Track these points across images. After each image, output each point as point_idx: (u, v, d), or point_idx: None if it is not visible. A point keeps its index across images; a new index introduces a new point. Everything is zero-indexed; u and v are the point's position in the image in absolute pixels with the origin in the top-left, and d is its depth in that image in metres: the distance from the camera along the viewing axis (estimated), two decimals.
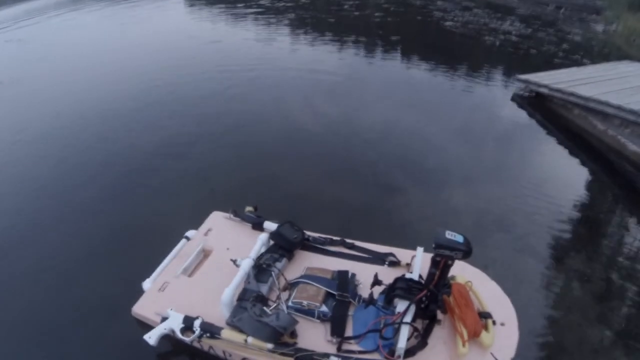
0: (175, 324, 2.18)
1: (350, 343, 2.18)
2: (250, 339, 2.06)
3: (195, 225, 3.05)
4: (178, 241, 2.90)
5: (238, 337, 2.09)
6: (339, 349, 2.13)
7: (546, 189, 4.71)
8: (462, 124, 6.15)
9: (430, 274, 2.14)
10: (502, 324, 2.33)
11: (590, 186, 4.90)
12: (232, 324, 2.14)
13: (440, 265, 2.08)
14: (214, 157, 4.72)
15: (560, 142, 5.70)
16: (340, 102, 6.53)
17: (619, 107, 4.99)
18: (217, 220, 3.10)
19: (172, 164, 4.54)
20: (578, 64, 8.13)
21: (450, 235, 2.00)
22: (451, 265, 2.08)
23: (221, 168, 4.53)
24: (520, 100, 7.01)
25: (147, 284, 2.54)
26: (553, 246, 3.87)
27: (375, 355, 2.11)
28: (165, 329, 2.18)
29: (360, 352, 2.13)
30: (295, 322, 2.13)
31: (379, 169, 4.85)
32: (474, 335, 2.18)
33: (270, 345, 2.04)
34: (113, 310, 2.72)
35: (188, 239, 2.89)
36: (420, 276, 2.42)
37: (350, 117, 6.11)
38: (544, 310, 3.11)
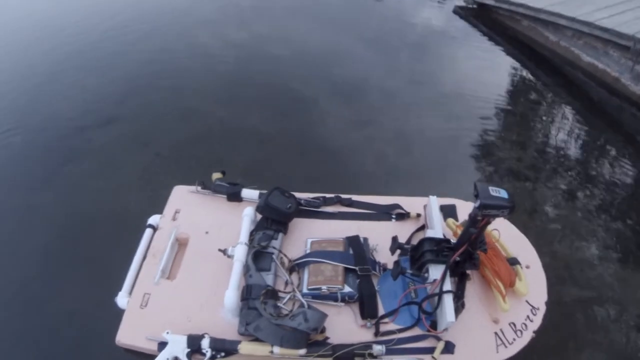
0: (178, 349, 1.74)
1: (386, 322, 1.94)
2: (276, 349, 1.71)
3: (158, 208, 2.46)
4: (142, 232, 2.32)
5: (261, 349, 1.72)
6: (376, 332, 1.87)
7: (501, 106, 4.70)
8: (400, 42, 5.82)
9: (468, 233, 1.88)
10: (528, 267, 2.24)
11: (545, 98, 4.99)
12: (248, 334, 1.76)
13: (481, 224, 1.83)
14: (148, 116, 3.90)
15: (510, 55, 5.66)
16: (253, 29, 5.71)
17: (572, 19, 4.94)
18: (183, 197, 2.52)
19: (104, 131, 3.65)
20: None
21: (494, 192, 1.73)
22: (491, 222, 1.84)
23: (161, 127, 3.77)
24: (462, 12, 6.77)
25: (122, 299, 2.00)
26: (526, 166, 3.92)
27: (416, 331, 1.91)
28: (167, 358, 1.74)
29: (399, 331, 1.90)
30: (325, 316, 1.80)
31: (324, 105, 4.42)
32: (510, 287, 2.06)
33: (302, 351, 1.72)
34: (92, 342, 2.18)
35: (154, 228, 2.32)
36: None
37: (273, 45, 5.39)
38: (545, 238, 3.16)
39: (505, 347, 1.88)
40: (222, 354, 1.73)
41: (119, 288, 2.06)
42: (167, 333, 1.77)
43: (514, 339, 1.91)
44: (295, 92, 4.55)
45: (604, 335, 2.65)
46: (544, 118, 4.66)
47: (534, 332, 1.96)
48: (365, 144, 3.96)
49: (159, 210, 2.42)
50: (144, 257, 2.19)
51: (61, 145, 3.48)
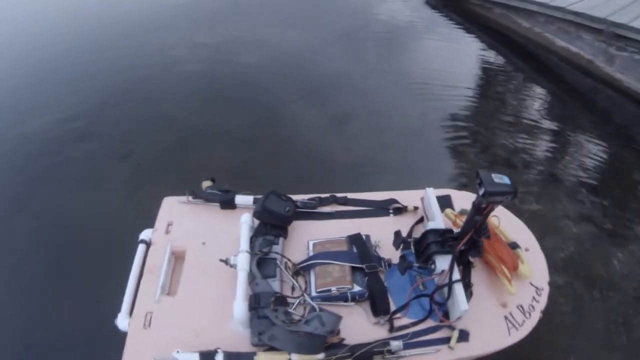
0: None
1: (398, 317, 1.96)
2: (294, 357, 1.69)
3: (149, 222, 2.39)
4: (134, 249, 2.25)
5: (278, 358, 1.70)
6: (391, 328, 1.89)
7: (479, 94, 4.84)
8: (374, 36, 5.89)
9: (473, 221, 1.93)
10: (527, 250, 2.31)
11: (522, 83, 5.15)
12: (262, 344, 1.74)
13: (486, 211, 1.88)
14: (125, 127, 3.80)
15: (484, 43, 5.81)
16: (224, 32, 5.65)
17: (544, 5, 5.11)
18: (174, 208, 2.46)
19: (81, 146, 3.53)
20: None
21: (497, 178, 1.78)
22: (495, 209, 1.89)
23: (140, 137, 3.67)
24: (433, 2, 6.90)
25: (122, 321, 1.94)
26: (509, 151, 4.05)
27: (429, 323, 1.94)
28: None
29: (413, 325, 1.93)
30: (340, 318, 1.80)
31: (302, 104, 4.45)
32: (513, 270, 2.12)
33: (320, 356, 1.71)
34: None
35: (147, 243, 2.26)
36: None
37: (244, 47, 5.35)
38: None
39: (517, 329, 1.94)
40: None
41: (118, 309, 1.99)
42: (178, 352, 1.72)
43: (524, 321, 1.97)
44: (271, 93, 4.54)
45: (603, 309, 2.79)
46: (522, 103, 4.82)
47: (542, 312, 2.03)
48: (348, 140, 4.00)
49: (149, 224, 2.34)
50: (141, 275, 2.13)
51: (37, 164, 3.34)
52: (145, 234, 2.30)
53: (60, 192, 3.12)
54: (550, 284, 2.21)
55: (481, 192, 1.77)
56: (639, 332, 2.70)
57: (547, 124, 4.45)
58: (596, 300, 2.81)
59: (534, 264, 2.22)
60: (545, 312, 2.07)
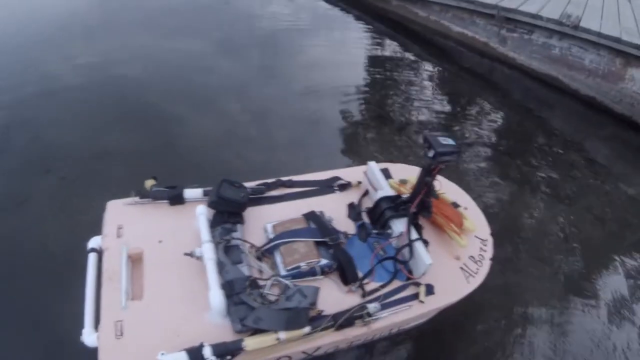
0: None
1: (367, 283, 2.06)
2: (282, 335, 1.71)
3: (94, 230, 2.19)
4: (83, 261, 2.05)
5: (267, 340, 1.70)
6: (364, 294, 1.99)
7: (383, 81, 5.12)
8: (273, 38, 5.78)
9: (424, 183, 2.11)
10: (466, 208, 2.58)
11: (423, 68, 5.58)
12: (247, 328, 1.72)
13: (435, 172, 2.07)
14: (38, 141, 3.37)
15: (384, 34, 6.13)
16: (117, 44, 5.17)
17: None
18: (120, 211, 2.29)
19: None
20: None
21: (444, 140, 1.98)
22: (443, 169, 2.09)
23: (56, 150, 3.28)
24: None
25: (89, 337, 1.77)
26: (420, 126, 4.40)
27: (396, 283, 2.08)
28: None
29: (381, 287, 2.05)
30: (318, 289, 1.86)
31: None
32: (460, 226, 2.36)
33: (307, 329, 1.75)
34: None
35: (97, 251, 2.09)
36: None
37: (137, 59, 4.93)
38: None
39: (473, 277, 2.18)
40: (229, 357, 1.65)
41: (79, 326, 1.80)
42: (162, 354, 1.62)
43: (478, 269, 2.21)
44: (169, 101, 4.26)
45: (533, 246, 3.26)
46: (425, 85, 5.22)
47: (490, 259, 2.29)
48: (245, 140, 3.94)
49: (94, 232, 2.16)
50: (98, 284, 1.96)
51: None
52: (94, 242, 2.13)
53: None
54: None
55: (431, 154, 1.95)
56: (561, 256, 3.25)
57: (453, 103, 4.93)
58: (526, 241, 3.26)
59: (475, 219, 2.49)
60: (494, 259, 2.33)
